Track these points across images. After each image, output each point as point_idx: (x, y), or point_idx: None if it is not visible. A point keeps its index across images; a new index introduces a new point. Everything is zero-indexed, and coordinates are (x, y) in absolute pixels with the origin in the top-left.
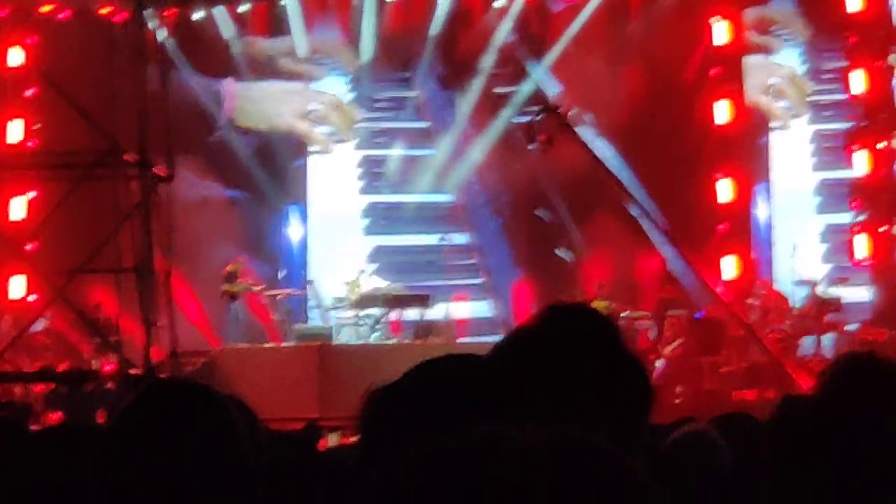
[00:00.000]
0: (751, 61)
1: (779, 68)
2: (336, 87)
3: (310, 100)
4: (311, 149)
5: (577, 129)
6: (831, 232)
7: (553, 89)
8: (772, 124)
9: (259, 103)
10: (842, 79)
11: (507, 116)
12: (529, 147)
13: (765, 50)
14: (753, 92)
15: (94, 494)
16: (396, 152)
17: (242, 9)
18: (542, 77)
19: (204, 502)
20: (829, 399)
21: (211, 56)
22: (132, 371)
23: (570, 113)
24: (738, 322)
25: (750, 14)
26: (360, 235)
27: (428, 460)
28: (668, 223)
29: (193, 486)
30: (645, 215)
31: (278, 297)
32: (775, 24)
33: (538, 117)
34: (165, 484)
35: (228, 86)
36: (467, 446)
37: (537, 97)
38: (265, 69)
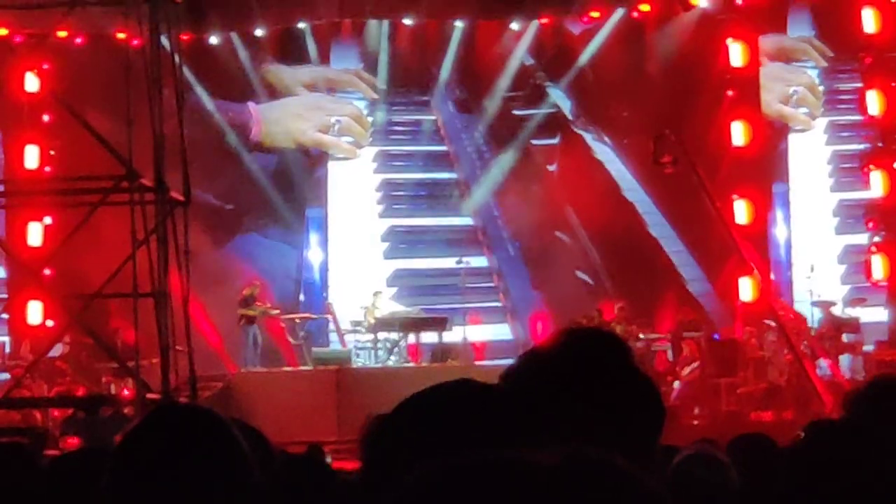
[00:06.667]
0: (768, 70)
1: (798, 76)
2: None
3: (331, 113)
4: (335, 155)
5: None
6: (849, 252)
7: (570, 110)
8: (793, 126)
9: (282, 123)
10: (858, 100)
11: (525, 138)
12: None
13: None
14: (774, 101)
15: None
16: (415, 176)
17: (259, 33)
18: (559, 98)
19: None
20: (856, 423)
21: (228, 81)
22: (150, 396)
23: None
24: (786, 341)
25: (769, 42)
26: (380, 259)
27: (442, 483)
28: (687, 244)
29: None
30: (735, 244)
31: (297, 321)
32: (794, 54)
33: (660, 139)
34: None
35: (252, 110)
36: (482, 469)
37: (556, 118)
38: (282, 94)
